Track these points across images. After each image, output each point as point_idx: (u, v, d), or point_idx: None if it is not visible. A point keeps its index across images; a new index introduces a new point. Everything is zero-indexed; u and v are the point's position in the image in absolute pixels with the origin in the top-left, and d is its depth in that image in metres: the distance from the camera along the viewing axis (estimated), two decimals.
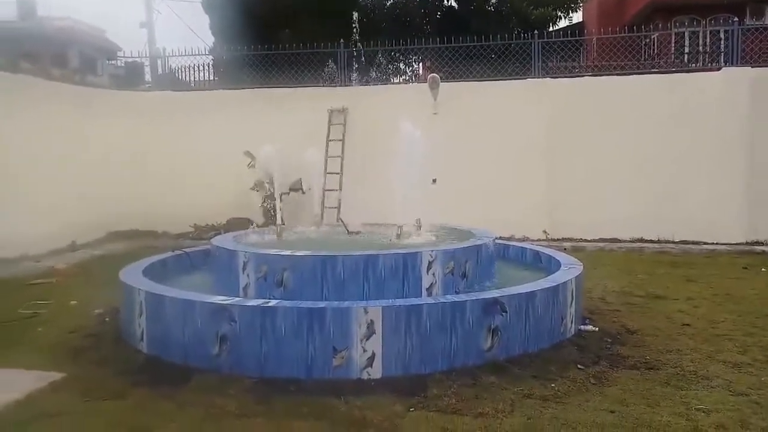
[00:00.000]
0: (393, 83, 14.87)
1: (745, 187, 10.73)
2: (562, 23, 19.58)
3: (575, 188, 11.28)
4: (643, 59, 12.60)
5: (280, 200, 8.68)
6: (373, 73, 13.29)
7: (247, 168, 11.60)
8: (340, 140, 11.88)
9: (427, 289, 5.21)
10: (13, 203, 9.38)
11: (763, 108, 10.70)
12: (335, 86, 12.42)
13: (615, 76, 11.50)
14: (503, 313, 4.58)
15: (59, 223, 10.29)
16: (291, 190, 11.12)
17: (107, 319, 6.01)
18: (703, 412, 3.86)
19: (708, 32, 13.98)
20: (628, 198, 11.07)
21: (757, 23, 16.51)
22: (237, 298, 4.73)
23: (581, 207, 11.21)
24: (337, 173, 11.79)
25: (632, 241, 10.92)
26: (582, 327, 5.52)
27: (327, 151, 11.85)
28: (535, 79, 11.60)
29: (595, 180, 11.21)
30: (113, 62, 25.40)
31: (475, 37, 12.28)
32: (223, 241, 6.21)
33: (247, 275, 5.36)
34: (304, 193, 11.12)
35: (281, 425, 3.70)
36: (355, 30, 12.95)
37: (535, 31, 12.07)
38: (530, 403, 4.01)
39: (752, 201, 10.68)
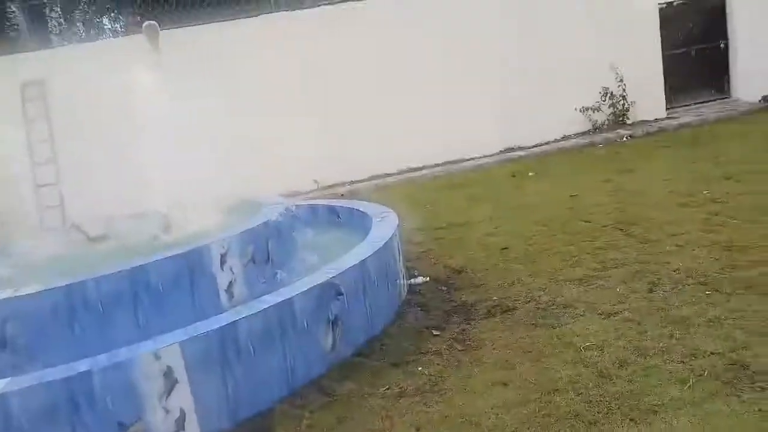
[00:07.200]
0: (101, 40, 12.32)
1: (498, 96, 10.72)
2: None
3: (334, 131, 10.39)
4: None
5: None
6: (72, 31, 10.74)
7: None
8: (44, 120, 9.33)
9: (226, 290, 3.88)
10: None
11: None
12: (26, 52, 9.69)
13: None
14: (339, 297, 3.52)
15: None
16: None
17: None
18: (593, 350, 3.33)
19: None
20: (376, 132, 10.43)
21: None
22: None
23: (341, 150, 10.32)
24: (50, 163, 9.32)
25: (400, 173, 10.58)
26: (412, 281, 4.75)
27: (29, 136, 9.25)
28: (271, 14, 10.33)
29: (345, 121, 10.37)
30: None
31: None
32: None
33: None
34: None
35: None
36: None
37: None
38: (407, 404, 3.10)
39: (505, 108, 10.74)
